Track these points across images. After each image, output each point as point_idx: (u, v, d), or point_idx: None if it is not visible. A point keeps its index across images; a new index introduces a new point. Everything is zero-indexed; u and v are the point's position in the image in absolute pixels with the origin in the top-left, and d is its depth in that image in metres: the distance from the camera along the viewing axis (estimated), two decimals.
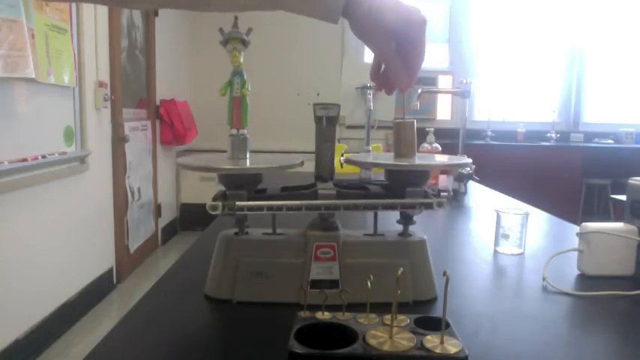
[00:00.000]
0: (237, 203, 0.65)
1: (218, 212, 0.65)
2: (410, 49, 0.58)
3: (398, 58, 0.58)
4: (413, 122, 0.71)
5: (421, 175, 0.70)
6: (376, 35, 0.56)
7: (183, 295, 0.73)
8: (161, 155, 4.09)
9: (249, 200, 0.66)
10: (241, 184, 0.67)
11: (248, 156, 0.73)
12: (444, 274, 0.50)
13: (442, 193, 0.68)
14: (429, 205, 0.68)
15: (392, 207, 0.68)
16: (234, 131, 0.73)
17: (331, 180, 0.71)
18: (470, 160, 0.73)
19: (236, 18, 0.72)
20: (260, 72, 4.55)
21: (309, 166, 0.73)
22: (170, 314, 0.67)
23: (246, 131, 0.73)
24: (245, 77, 0.73)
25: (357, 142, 2.90)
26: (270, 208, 0.65)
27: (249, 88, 0.73)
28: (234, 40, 0.70)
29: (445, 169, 2.05)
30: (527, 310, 0.72)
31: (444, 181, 1.98)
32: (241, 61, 0.72)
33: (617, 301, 0.75)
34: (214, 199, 0.66)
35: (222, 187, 0.69)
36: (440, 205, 0.67)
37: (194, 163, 0.69)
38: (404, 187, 0.68)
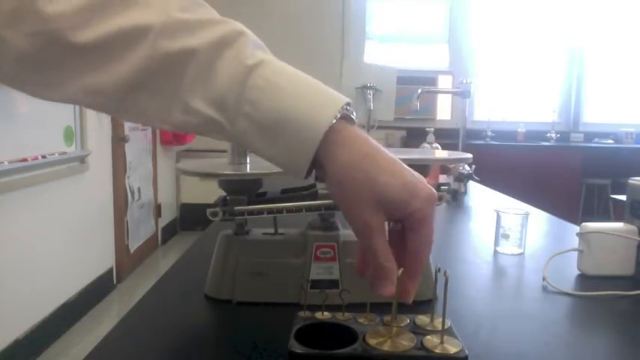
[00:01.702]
0: (237, 208, 0.65)
1: (218, 218, 0.65)
2: (409, 232, 0.41)
3: (387, 242, 0.41)
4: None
5: (421, 170, 0.70)
6: (358, 204, 0.40)
7: (183, 295, 0.73)
8: (161, 155, 4.09)
9: (249, 204, 0.66)
10: (242, 189, 0.67)
11: (248, 161, 0.73)
12: (445, 274, 0.50)
13: (442, 187, 0.68)
14: None
15: None
16: None
17: None
18: (470, 155, 0.73)
19: None
20: None
21: None
22: (170, 314, 0.67)
23: None
24: None
25: None
26: (270, 211, 0.65)
27: None
28: None
29: (445, 168, 2.05)
30: (527, 310, 0.72)
31: (444, 180, 1.98)
32: None
33: (617, 301, 0.75)
34: (214, 204, 0.66)
35: (222, 192, 0.69)
36: (440, 199, 0.67)
37: (194, 168, 0.68)
38: None
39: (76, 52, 0.39)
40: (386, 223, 0.42)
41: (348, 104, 0.42)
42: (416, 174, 0.42)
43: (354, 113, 0.42)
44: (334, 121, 0.40)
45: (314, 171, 0.43)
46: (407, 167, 0.42)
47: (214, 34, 0.41)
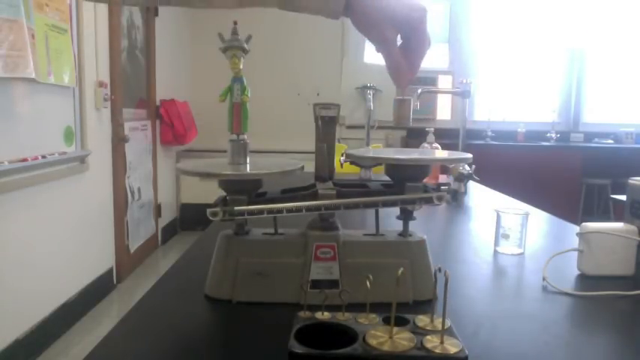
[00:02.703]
0: (237, 208, 0.65)
1: (218, 218, 0.65)
2: (412, 37, 0.58)
3: (399, 49, 0.58)
4: (410, 99, 0.74)
5: (421, 169, 0.70)
6: (378, 25, 0.56)
7: (183, 295, 0.73)
8: (161, 155, 4.09)
9: (249, 204, 0.66)
10: (241, 189, 0.67)
11: (248, 161, 0.73)
12: (445, 274, 0.50)
13: (442, 187, 0.68)
14: (429, 199, 0.67)
15: (392, 203, 0.68)
16: (234, 136, 0.73)
17: (331, 180, 0.71)
18: (470, 155, 0.73)
19: (235, 23, 0.72)
20: (260, 72, 4.55)
21: (309, 166, 0.73)
22: (170, 314, 0.67)
23: (246, 136, 0.73)
24: (245, 83, 0.73)
25: (357, 142, 2.90)
26: (270, 211, 0.65)
27: (249, 95, 0.73)
28: (234, 48, 0.70)
29: (445, 168, 2.05)
30: (527, 310, 0.72)
31: (444, 180, 1.98)
32: (241, 67, 0.72)
33: (617, 301, 0.75)
34: (214, 204, 0.66)
35: (222, 192, 0.69)
36: (440, 199, 0.67)
37: (194, 169, 0.68)
38: (404, 181, 0.68)
39: None
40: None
41: None
42: None
43: None
44: None
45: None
46: None
47: None
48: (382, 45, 0.57)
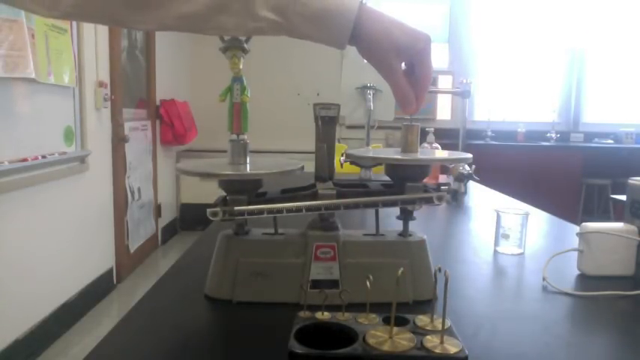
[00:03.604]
0: (237, 208, 0.65)
1: (218, 218, 0.65)
2: (417, 66, 0.59)
3: (405, 77, 0.59)
4: (418, 125, 0.75)
5: (421, 169, 0.70)
6: (385, 54, 0.57)
7: (183, 295, 0.73)
8: (161, 155, 4.09)
9: (249, 204, 0.66)
10: (242, 189, 0.67)
11: (248, 161, 0.73)
12: (445, 274, 0.50)
13: (442, 187, 0.68)
14: (429, 199, 0.67)
15: (392, 203, 0.68)
16: (234, 136, 0.73)
17: (331, 180, 0.71)
18: (470, 155, 0.73)
19: None
20: (260, 72, 4.55)
21: (309, 166, 0.73)
22: (170, 314, 0.67)
23: (246, 136, 0.73)
24: (245, 83, 0.73)
25: (357, 142, 2.90)
26: (270, 211, 0.65)
27: (249, 95, 0.73)
28: (234, 48, 0.70)
29: (445, 168, 2.05)
30: (528, 310, 0.72)
31: (444, 180, 1.98)
32: (241, 67, 0.72)
33: (617, 301, 0.75)
34: (214, 204, 0.66)
35: (222, 192, 0.69)
36: (440, 199, 0.67)
37: (194, 169, 0.68)
38: (405, 182, 0.68)
39: None
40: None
41: None
42: (415, 27, 0.59)
43: None
44: (362, 3, 0.56)
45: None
46: (408, 24, 0.58)
47: None
48: (389, 74, 0.59)
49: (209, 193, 0.70)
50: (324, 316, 0.56)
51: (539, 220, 1.35)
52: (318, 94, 4.70)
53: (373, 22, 0.57)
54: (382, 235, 0.72)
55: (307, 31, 0.55)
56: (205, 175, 0.66)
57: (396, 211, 0.72)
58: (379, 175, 1.79)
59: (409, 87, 0.59)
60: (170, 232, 4.37)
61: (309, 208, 0.66)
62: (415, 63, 0.59)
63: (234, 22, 0.54)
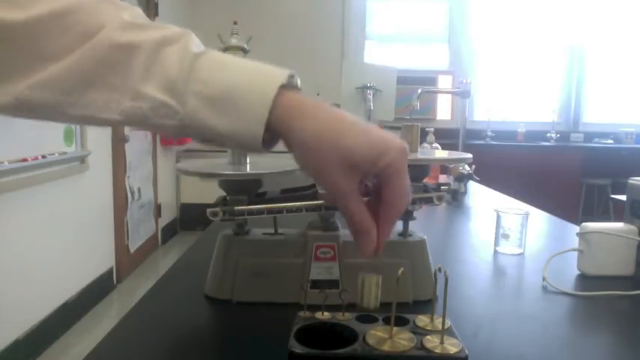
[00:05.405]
0: (237, 208, 0.65)
1: (218, 218, 0.65)
2: (383, 187, 0.42)
3: (361, 202, 0.42)
4: (418, 125, 0.74)
5: (421, 169, 0.70)
6: (325, 167, 0.40)
7: (183, 295, 0.73)
8: (161, 155, 4.09)
9: (249, 204, 0.66)
10: (242, 189, 0.67)
11: (248, 161, 0.73)
12: (444, 274, 0.50)
13: (442, 187, 0.68)
14: (429, 199, 0.67)
15: None
16: None
17: None
18: (470, 155, 0.73)
19: (235, 23, 0.72)
20: None
21: None
22: (170, 314, 0.67)
23: None
24: None
25: None
26: (270, 211, 0.65)
27: None
28: (233, 49, 0.70)
29: (445, 168, 2.05)
30: (528, 310, 0.72)
31: (444, 180, 1.98)
32: None
33: (617, 301, 0.75)
34: (214, 204, 0.66)
35: (222, 192, 0.69)
36: (440, 199, 0.67)
37: (194, 169, 0.68)
38: None
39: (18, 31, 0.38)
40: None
41: (292, 76, 0.43)
42: (382, 130, 0.42)
43: (299, 82, 0.44)
44: (283, 82, 0.41)
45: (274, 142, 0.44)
46: (371, 124, 0.42)
47: (161, 33, 0.42)
48: (334, 195, 0.41)
49: (209, 193, 0.70)
50: (324, 316, 0.56)
51: (539, 220, 1.35)
52: (318, 94, 4.68)
53: (308, 116, 0.40)
54: None
55: (205, 118, 0.40)
56: (205, 175, 0.66)
57: None
58: None
59: (367, 217, 0.42)
60: (170, 232, 4.37)
61: (309, 208, 0.66)
62: (381, 182, 0.42)
63: (105, 97, 0.40)
